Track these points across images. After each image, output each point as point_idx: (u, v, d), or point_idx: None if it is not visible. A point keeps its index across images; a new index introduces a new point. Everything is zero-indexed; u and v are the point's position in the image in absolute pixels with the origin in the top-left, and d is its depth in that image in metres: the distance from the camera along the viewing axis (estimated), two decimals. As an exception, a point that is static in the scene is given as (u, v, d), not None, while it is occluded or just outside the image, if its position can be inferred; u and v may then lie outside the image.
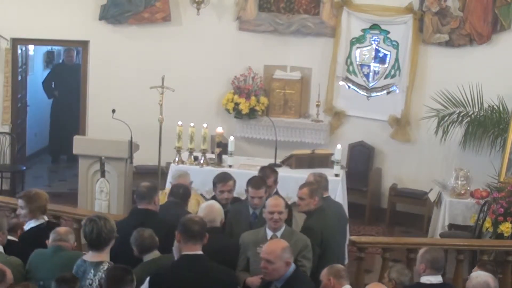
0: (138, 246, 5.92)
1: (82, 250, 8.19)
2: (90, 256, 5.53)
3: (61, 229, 6.03)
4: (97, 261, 5.46)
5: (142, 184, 6.83)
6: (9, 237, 6.39)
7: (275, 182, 7.64)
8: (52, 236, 5.95)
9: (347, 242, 8.13)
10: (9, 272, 5.42)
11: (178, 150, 9.48)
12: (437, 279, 5.76)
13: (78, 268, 5.51)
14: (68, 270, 5.47)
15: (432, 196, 10.13)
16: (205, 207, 6.51)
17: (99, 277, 5.36)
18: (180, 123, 9.52)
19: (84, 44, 11.53)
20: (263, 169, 7.80)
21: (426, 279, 5.76)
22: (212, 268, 5.42)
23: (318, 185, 7.29)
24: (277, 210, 6.27)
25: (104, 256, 5.51)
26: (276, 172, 7.73)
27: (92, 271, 5.40)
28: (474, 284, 5.38)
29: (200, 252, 5.44)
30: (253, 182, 7.01)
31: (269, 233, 6.27)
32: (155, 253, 5.89)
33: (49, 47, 13.39)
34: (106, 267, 5.39)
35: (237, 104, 11.36)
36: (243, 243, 6.34)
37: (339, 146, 9.47)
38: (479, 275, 5.51)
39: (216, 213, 6.42)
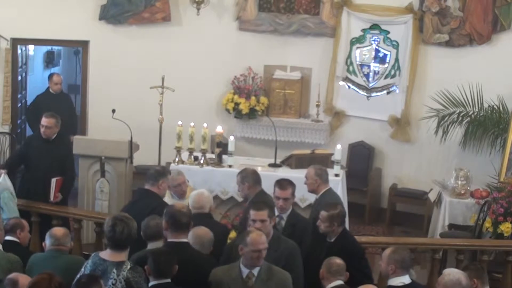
0: (142, 232, 6.06)
1: (82, 250, 8.25)
2: (109, 255, 5.45)
3: (58, 232, 5.97)
4: (119, 261, 5.41)
5: (155, 167, 7.44)
6: (9, 238, 6.39)
7: (293, 195, 7.10)
8: (49, 240, 5.92)
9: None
10: (23, 277, 5.31)
11: (178, 150, 9.48)
12: (407, 279, 5.68)
13: (96, 266, 5.43)
14: (69, 274, 5.43)
15: (432, 196, 10.13)
16: (194, 195, 6.88)
17: (124, 277, 5.33)
18: (180, 123, 9.51)
19: (84, 44, 11.54)
20: (279, 181, 7.13)
21: (399, 281, 5.63)
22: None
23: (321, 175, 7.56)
24: (264, 248, 5.53)
25: (124, 256, 5.48)
26: (294, 185, 7.11)
27: (114, 270, 5.35)
28: (446, 281, 5.34)
29: (185, 240, 5.74)
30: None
31: (245, 271, 5.54)
32: (159, 243, 5.96)
33: (49, 47, 13.38)
34: (129, 267, 5.39)
35: (237, 104, 11.36)
36: (215, 282, 5.55)
37: (339, 146, 9.47)
38: (451, 272, 5.45)
39: (204, 201, 6.78)
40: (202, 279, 5.51)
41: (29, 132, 12.27)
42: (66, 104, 11.00)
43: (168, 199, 7.38)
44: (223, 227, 7.04)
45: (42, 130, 8.66)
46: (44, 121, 8.64)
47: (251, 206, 6.29)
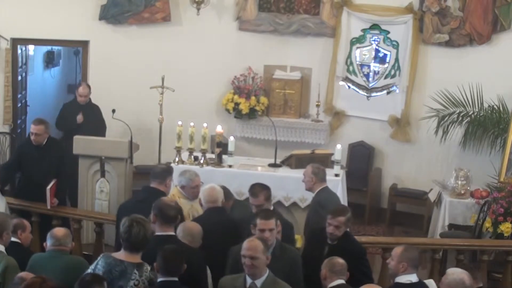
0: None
1: (82, 250, 8.25)
2: (126, 256, 5.43)
3: (59, 233, 5.97)
4: (138, 262, 5.41)
5: (159, 165, 7.59)
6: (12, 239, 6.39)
7: (267, 199, 6.90)
8: (50, 240, 5.91)
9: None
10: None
11: (178, 150, 9.47)
12: (415, 277, 5.72)
13: (112, 267, 5.39)
14: (70, 274, 5.43)
15: (432, 196, 10.13)
16: (207, 189, 6.89)
17: (147, 278, 5.35)
18: (180, 123, 9.51)
19: (84, 44, 11.54)
20: (252, 186, 7.02)
21: (406, 279, 5.67)
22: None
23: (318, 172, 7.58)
24: (249, 255, 5.37)
25: (140, 257, 5.48)
26: (268, 189, 6.96)
27: (136, 271, 5.36)
28: (449, 281, 5.35)
29: (172, 233, 5.84)
30: (262, 212, 6.18)
31: (249, 281, 5.44)
32: None
33: (49, 47, 13.38)
34: (149, 268, 5.41)
35: (237, 104, 11.36)
36: None
37: (339, 146, 9.47)
38: (455, 271, 5.46)
39: (217, 195, 6.85)
40: (190, 272, 5.49)
41: (29, 132, 12.28)
42: (93, 115, 10.46)
43: (184, 201, 7.24)
44: (235, 220, 6.85)
45: (32, 137, 8.57)
46: (33, 128, 8.54)
47: (258, 214, 6.12)
